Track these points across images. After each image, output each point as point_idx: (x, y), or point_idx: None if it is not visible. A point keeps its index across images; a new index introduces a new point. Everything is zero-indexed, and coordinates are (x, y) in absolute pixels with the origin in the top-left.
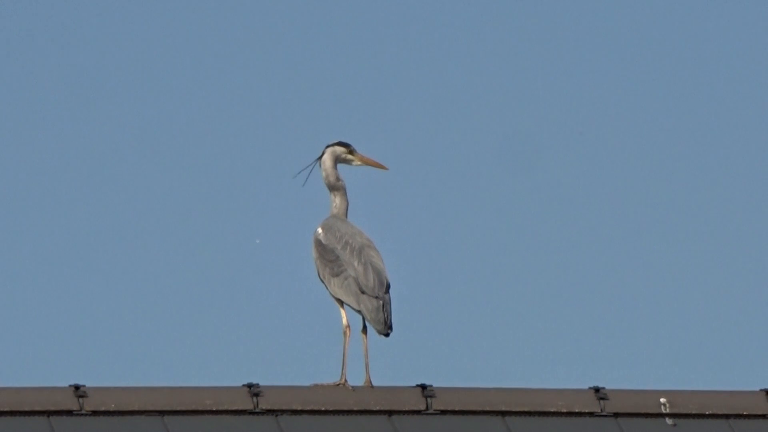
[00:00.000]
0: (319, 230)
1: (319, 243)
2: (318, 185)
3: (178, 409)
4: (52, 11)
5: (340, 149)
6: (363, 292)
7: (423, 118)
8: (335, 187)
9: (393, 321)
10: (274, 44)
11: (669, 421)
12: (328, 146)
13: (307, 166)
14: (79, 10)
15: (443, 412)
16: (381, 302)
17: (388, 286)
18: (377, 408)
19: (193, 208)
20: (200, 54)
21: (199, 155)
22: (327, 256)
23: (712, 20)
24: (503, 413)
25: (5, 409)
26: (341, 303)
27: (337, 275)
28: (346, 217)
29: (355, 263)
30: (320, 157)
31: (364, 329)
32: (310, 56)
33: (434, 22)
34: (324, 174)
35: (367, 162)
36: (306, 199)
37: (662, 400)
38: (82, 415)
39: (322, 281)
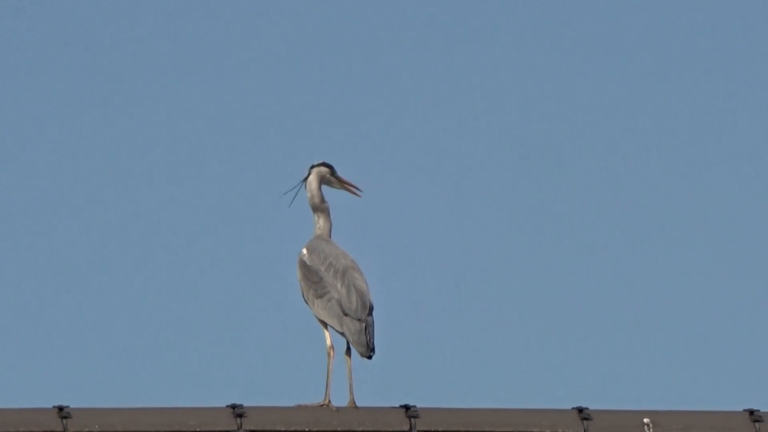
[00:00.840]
0: (304, 251)
1: (303, 264)
2: (302, 205)
3: (162, 429)
4: (52, 11)
5: (324, 170)
6: (346, 315)
7: (405, 138)
8: (319, 208)
9: (376, 343)
10: (262, 58)
11: None
12: (313, 166)
13: (294, 187)
14: (79, 9)
15: None
16: (364, 324)
17: (371, 309)
18: (361, 429)
19: (179, 229)
20: (185, 73)
21: (184, 177)
22: (311, 277)
23: (724, 20)
24: None
25: None
26: (325, 324)
27: (321, 297)
28: (330, 237)
29: (339, 285)
30: (306, 178)
31: (348, 350)
32: (302, 67)
33: (435, 24)
34: (309, 195)
35: (344, 185)
36: (292, 219)
37: (645, 420)
38: None
39: (306, 302)
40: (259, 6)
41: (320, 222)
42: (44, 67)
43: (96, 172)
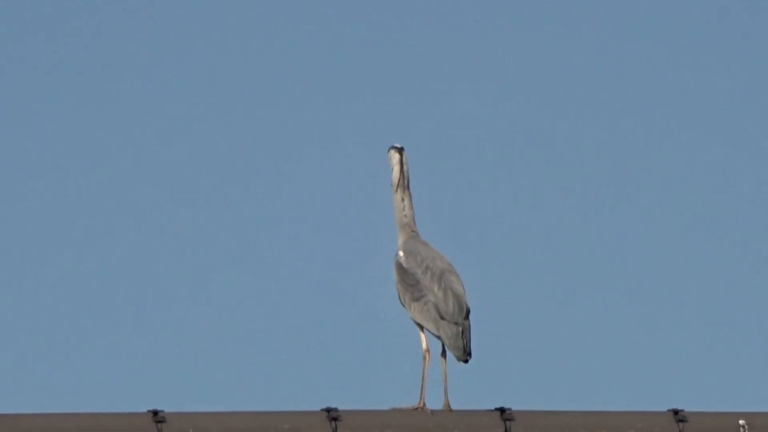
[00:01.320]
0: (401, 254)
1: (400, 267)
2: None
3: None
4: (52, 11)
5: (403, 154)
6: (443, 318)
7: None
8: (407, 189)
9: (472, 346)
10: (277, 46)
11: None
12: (395, 148)
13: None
14: (78, 9)
15: None
16: (460, 328)
17: (467, 312)
18: None
19: (274, 229)
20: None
21: (275, 174)
22: (408, 280)
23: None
24: None
25: None
26: (421, 327)
27: (418, 300)
28: (414, 224)
29: (435, 288)
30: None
31: (444, 353)
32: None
33: (435, 22)
34: (398, 176)
35: (403, 174)
36: (382, 221)
37: (741, 421)
38: None
39: (403, 305)
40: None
41: (406, 204)
42: (43, 66)
43: (192, 164)
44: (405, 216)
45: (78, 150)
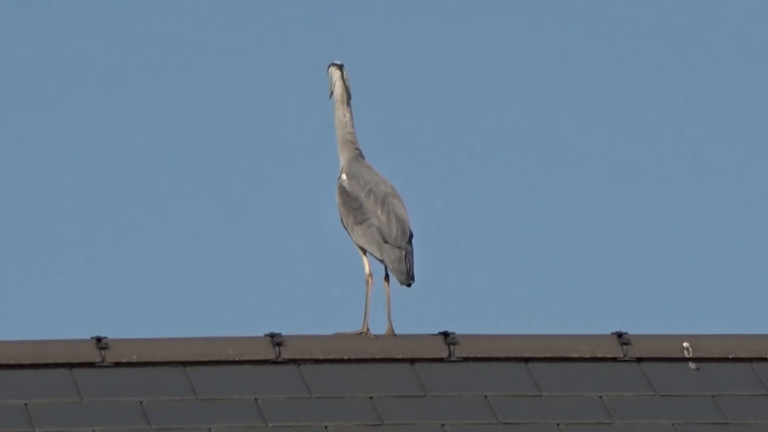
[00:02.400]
0: (344, 177)
1: (343, 190)
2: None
3: (201, 359)
4: (52, 11)
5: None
6: (386, 242)
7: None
8: (348, 101)
9: (415, 271)
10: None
11: (692, 365)
12: (334, 64)
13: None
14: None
15: (466, 359)
16: (404, 252)
17: (411, 236)
18: (400, 356)
19: (212, 158)
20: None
21: (214, 103)
22: (351, 203)
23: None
24: (526, 359)
25: (28, 362)
26: (364, 251)
27: (360, 223)
28: (357, 141)
29: (379, 212)
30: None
31: (387, 278)
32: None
33: (435, 20)
34: (340, 89)
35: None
36: (327, 145)
37: (685, 344)
38: (104, 366)
39: (345, 229)
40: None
41: (348, 120)
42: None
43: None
44: (348, 133)
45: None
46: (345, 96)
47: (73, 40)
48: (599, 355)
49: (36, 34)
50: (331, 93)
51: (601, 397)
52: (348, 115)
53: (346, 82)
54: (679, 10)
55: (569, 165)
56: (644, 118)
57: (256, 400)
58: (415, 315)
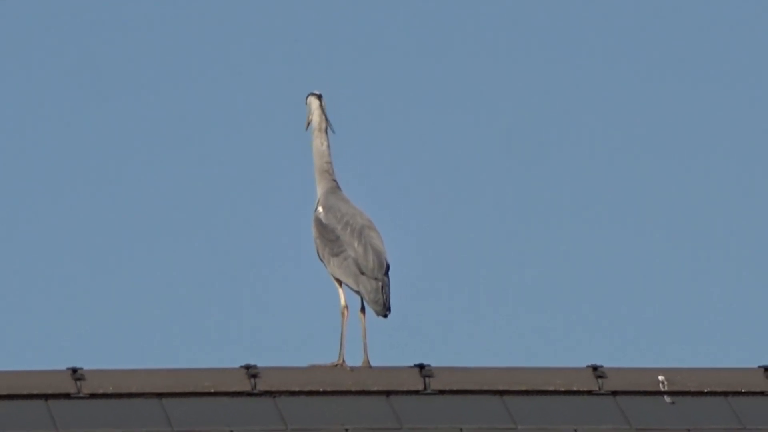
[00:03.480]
0: (320, 209)
1: (319, 222)
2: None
3: (176, 391)
4: (51, 11)
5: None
6: (362, 273)
7: (421, 109)
8: (326, 130)
9: (391, 302)
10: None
11: (667, 398)
12: (312, 94)
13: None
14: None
15: (441, 392)
16: (380, 283)
17: (387, 268)
18: (375, 388)
19: (188, 190)
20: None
21: (190, 132)
22: (327, 235)
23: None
24: (501, 392)
25: (3, 393)
26: (340, 283)
27: (337, 255)
28: (333, 171)
29: (355, 244)
30: (322, 104)
31: (362, 309)
32: (307, 54)
33: (434, 20)
34: (318, 119)
35: (325, 118)
36: (304, 178)
37: (660, 377)
38: (80, 398)
39: (322, 260)
40: None
41: (325, 150)
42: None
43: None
44: (326, 162)
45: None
46: (323, 125)
47: (74, 40)
48: (574, 388)
49: (36, 34)
50: (308, 123)
51: (576, 430)
52: (325, 144)
53: (325, 112)
54: (679, 10)
55: (545, 200)
56: (615, 156)
57: (231, 431)
58: (391, 347)
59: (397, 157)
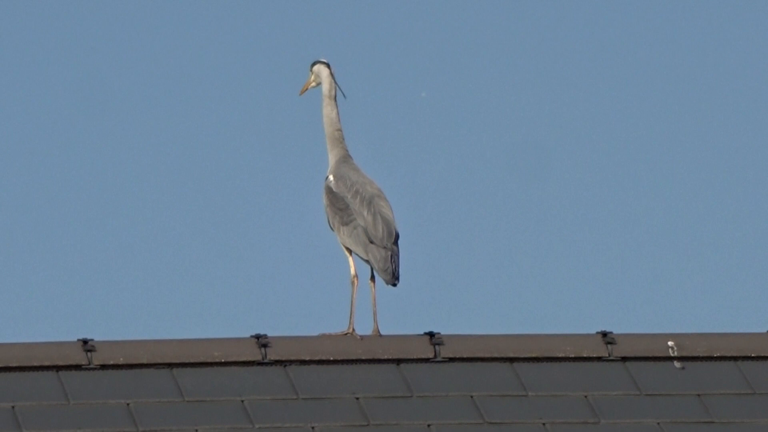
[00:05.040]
0: (331, 178)
1: (329, 191)
2: (321, 134)
3: (187, 361)
4: (52, 11)
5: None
6: (372, 242)
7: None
8: (335, 98)
9: (401, 271)
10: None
11: (677, 364)
12: (319, 62)
13: (335, 85)
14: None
15: (451, 360)
16: (389, 253)
17: (396, 237)
18: (386, 356)
19: (198, 159)
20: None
21: (201, 99)
22: (337, 204)
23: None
24: (511, 359)
25: (14, 365)
26: (350, 252)
27: (347, 224)
28: (344, 139)
29: (365, 213)
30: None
31: (372, 278)
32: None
33: (436, 23)
34: (327, 86)
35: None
36: (314, 145)
37: (670, 343)
38: (90, 369)
39: (332, 229)
40: None
41: (334, 117)
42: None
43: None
44: (336, 130)
45: None
46: (333, 93)
47: (73, 40)
48: (584, 355)
49: (35, 34)
50: (305, 89)
51: (586, 396)
52: (335, 112)
53: (335, 79)
54: (679, 10)
55: (556, 165)
56: (631, 119)
57: (242, 401)
58: (401, 315)
59: (407, 125)
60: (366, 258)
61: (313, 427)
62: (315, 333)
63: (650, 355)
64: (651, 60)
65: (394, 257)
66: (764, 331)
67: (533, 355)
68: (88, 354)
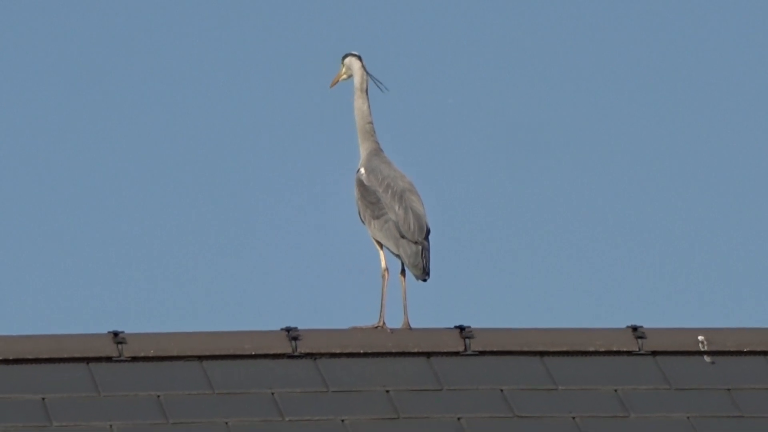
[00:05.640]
0: (362, 171)
1: (361, 184)
2: (352, 125)
3: (217, 353)
4: (52, 11)
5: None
6: (403, 237)
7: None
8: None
9: (431, 265)
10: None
11: (707, 358)
12: (351, 55)
13: (372, 79)
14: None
15: (482, 353)
16: (420, 248)
17: (427, 232)
18: (416, 350)
19: (229, 151)
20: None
21: (237, 93)
22: (369, 197)
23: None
24: (542, 353)
25: (45, 356)
26: (381, 246)
27: (378, 218)
28: (375, 132)
29: (396, 207)
30: (364, 66)
31: (403, 272)
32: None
33: (437, 20)
34: (360, 78)
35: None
36: (345, 138)
37: (700, 337)
38: (121, 361)
39: (363, 222)
40: None
41: (366, 106)
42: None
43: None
44: (368, 123)
45: None
46: (365, 85)
47: (73, 40)
48: (614, 349)
49: (35, 34)
50: (335, 82)
51: (616, 390)
52: (366, 104)
53: (367, 71)
54: (679, 10)
55: (585, 160)
56: (658, 114)
57: (272, 394)
58: (431, 309)
59: (438, 118)
60: (397, 253)
61: (343, 420)
62: (345, 326)
63: (680, 349)
64: (658, 59)
65: (425, 252)
66: None
67: (563, 349)
68: (119, 346)
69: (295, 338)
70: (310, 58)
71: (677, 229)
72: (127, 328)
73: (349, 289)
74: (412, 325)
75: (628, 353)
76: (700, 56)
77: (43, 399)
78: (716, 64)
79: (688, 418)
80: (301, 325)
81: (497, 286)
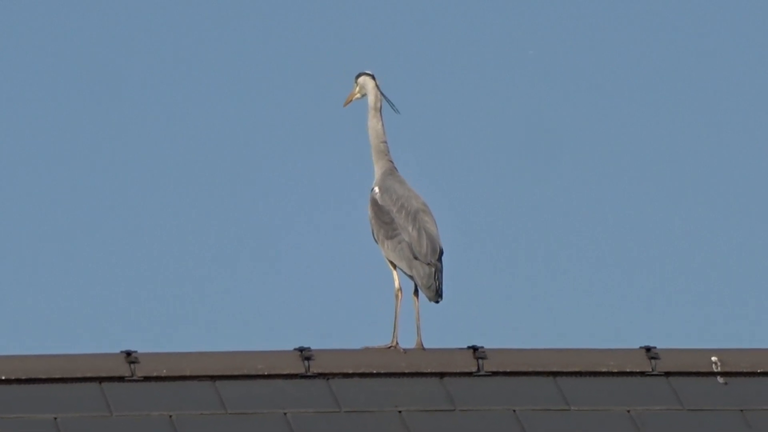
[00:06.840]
0: (376, 190)
1: (375, 203)
2: (367, 143)
3: (230, 373)
4: (53, 11)
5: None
6: (416, 258)
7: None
8: (380, 111)
9: (444, 287)
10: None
11: (720, 379)
12: (365, 74)
13: (386, 99)
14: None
15: (495, 374)
16: (433, 269)
17: (441, 253)
18: (429, 370)
19: (242, 165)
20: None
21: (246, 112)
22: (382, 217)
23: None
24: (555, 374)
25: (58, 376)
26: (394, 266)
27: (391, 238)
28: (389, 151)
29: (410, 228)
30: (378, 86)
31: (416, 292)
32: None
33: (442, 20)
34: (374, 99)
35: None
36: (359, 157)
37: (714, 358)
38: (133, 380)
39: (376, 242)
40: None
41: (379, 125)
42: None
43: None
44: (382, 143)
45: None
46: (379, 105)
47: (73, 39)
48: (627, 370)
49: (34, 34)
50: (349, 101)
51: (629, 411)
52: (381, 124)
53: (381, 91)
54: (679, 10)
55: (595, 181)
56: (677, 135)
57: (285, 414)
58: (444, 329)
59: (453, 138)
60: (410, 274)
61: None
62: (358, 346)
63: (693, 370)
64: (660, 59)
65: (438, 274)
66: None
67: (576, 370)
68: (132, 366)
69: (307, 358)
70: (325, 75)
71: (691, 251)
72: (140, 347)
73: (362, 309)
74: (425, 345)
75: (641, 374)
76: (720, 62)
77: (55, 418)
78: (738, 70)
79: None
80: (314, 345)
81: (510, 306)
